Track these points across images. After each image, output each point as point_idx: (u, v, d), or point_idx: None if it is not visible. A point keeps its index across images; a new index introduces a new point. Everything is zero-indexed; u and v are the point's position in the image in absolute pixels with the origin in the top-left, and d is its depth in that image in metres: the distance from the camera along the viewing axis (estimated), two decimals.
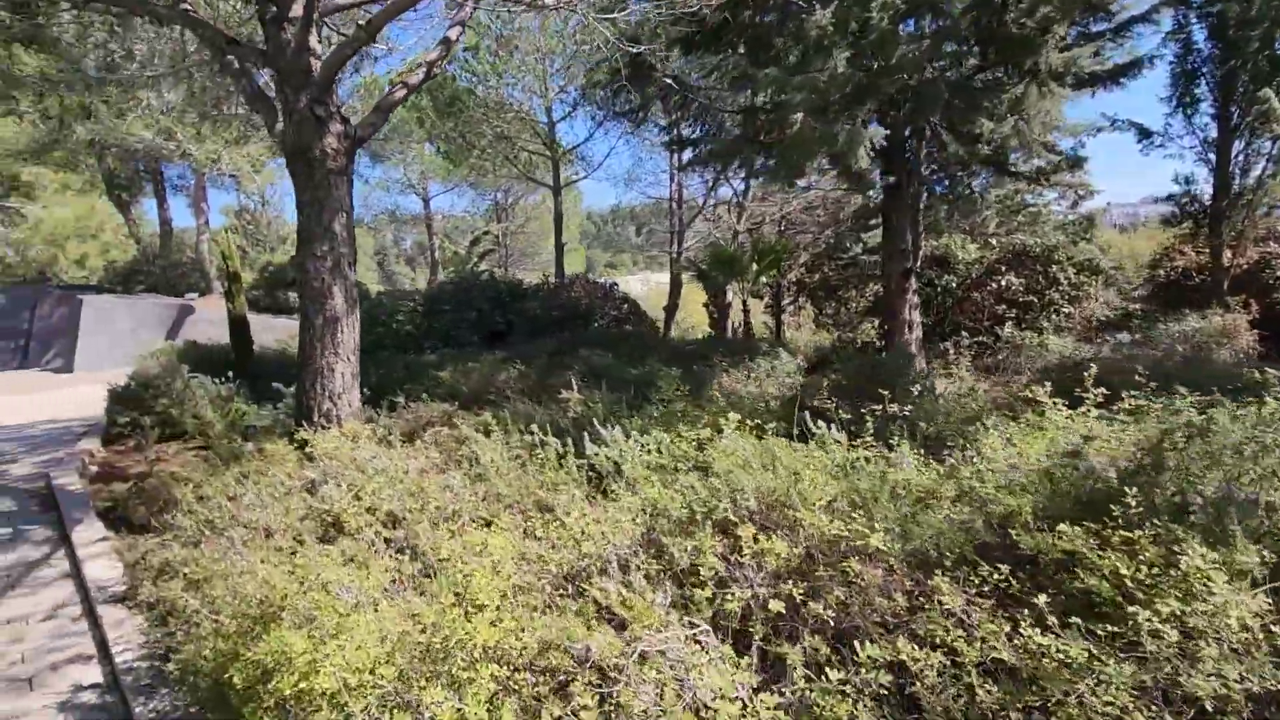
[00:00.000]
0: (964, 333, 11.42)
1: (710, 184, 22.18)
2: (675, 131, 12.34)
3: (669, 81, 9.05)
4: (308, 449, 4.04)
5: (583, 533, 2.10)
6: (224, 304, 19.17)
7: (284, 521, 2.81)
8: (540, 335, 12.64)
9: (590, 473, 3.07)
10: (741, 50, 8.78)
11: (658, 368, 7.84)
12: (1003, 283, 11.82)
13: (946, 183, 11.37)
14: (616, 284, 14.53)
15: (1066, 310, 11.41)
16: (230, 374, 8.51)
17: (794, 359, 8.06)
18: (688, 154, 17.19)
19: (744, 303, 16.93)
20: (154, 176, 23.68)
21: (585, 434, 3.28)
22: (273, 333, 14.47)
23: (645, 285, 33.35)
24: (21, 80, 17.49)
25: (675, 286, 22.49)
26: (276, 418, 5.82)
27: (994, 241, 13.05)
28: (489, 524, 2.53)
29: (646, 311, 17.58)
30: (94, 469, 6.28)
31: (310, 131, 3.98)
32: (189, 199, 28.09)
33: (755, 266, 15.29)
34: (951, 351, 10.81)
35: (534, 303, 13.22)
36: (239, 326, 9.82)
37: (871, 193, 10.89)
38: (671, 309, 20.41)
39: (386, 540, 2.65)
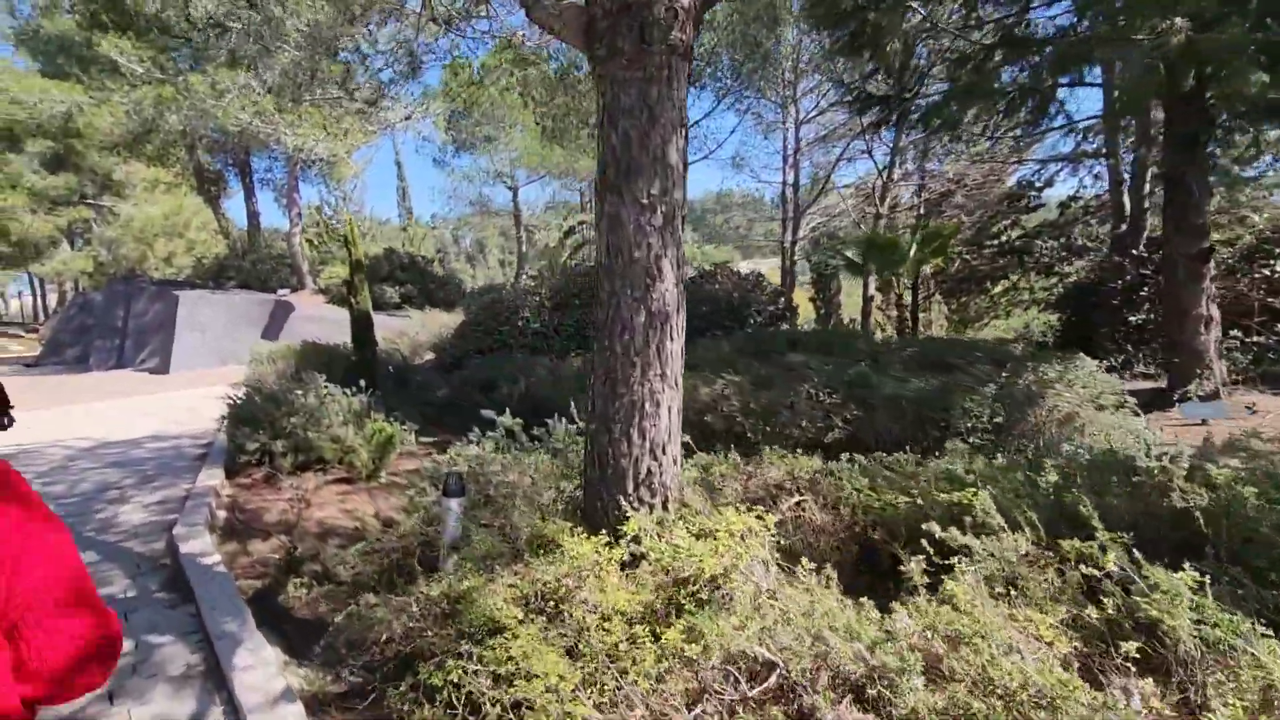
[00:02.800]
0: (1237, 331, 9.04)
1: (833, 162, 20.03)
2: (858, 90, 10.25)
3: (914, 5, 7.03)
4: (637, 548, 2.26)
5: None
6: (320, 300, 18.14)
7: None
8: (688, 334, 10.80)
9: None
10: None
11: (926, 381, 5.87)
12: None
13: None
14: (762, 274, 12.63)
15: None
16: (362, 383, 6.94)
17: (1099, 367, 5.95)
18: (826, 117, 15.00)
19: (899, 296, 14.77)
20: (241, 170, 23.03)
21: None
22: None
23: None
24: (119, 69, 16.80)
25: (789, 278, 20.49)
26: (482, 461, 4.10)
27: (1255, 218, 10.54)
28: None
29: None
30: (222, 513, 4.73)
31: None
32: (275, 193, 27.56)
33: (914, 253, 13.09)
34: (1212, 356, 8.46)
35: None
36: (363, 325, 8.31)
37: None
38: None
39: None
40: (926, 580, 1.84)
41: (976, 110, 8.89)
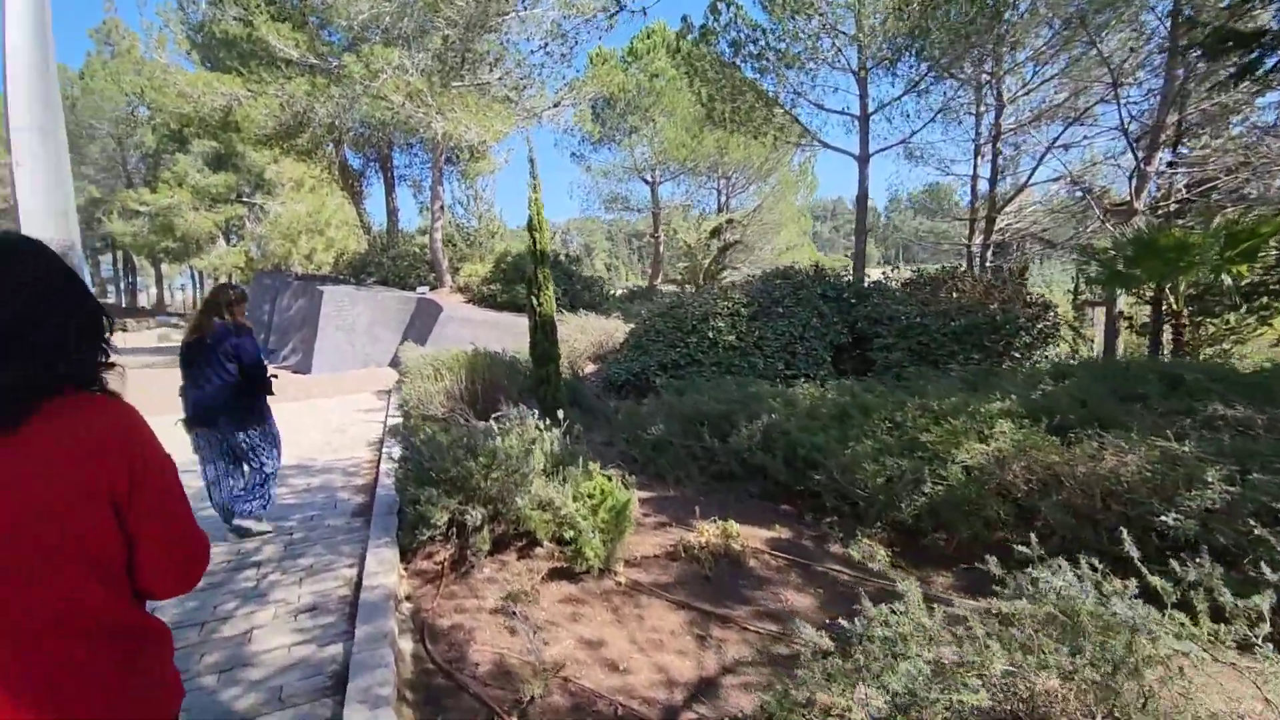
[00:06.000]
0: None
1: (1045, 148, 16.73)
2: (1218, 28, 7.42)
3: None
4: None
5: None
6: (459, 299, 17.03)
7: None
8: (925, 356, 8.37)
9: None
10: None
11: None
12: None
13: None
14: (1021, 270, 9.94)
15: None
16: (560, 413, 5.08)
17: None
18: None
19: (1176, 312, 11.56)
20: (383, 165, 22.69)
21: None
22: (514, 335, 11.50)
23: None
24: (276, 60, 16.46)
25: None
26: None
27: None
28: None
29: None
30: (408, 644, 2.90)
31: None
32: (413, 190, 27.41)
33: (1213, 257, 9.89)
34: None
35: (902, 307, 8.96)
36: (546, 333, 6.53)
37: None
38: None
39: None
40: None
41: None
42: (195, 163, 30.25)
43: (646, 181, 24.19)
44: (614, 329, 11.11)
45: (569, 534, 3.81)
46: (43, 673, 0.92)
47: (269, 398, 4.22)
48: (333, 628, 2.98)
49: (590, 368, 10.58)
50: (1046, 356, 8.28)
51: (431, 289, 17.53)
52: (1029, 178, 16.98)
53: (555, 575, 3.73)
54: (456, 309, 13.21)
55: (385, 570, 3.39)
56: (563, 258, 17.07)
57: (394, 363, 12.73)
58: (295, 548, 3.95)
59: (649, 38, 21.08)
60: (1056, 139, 16.21)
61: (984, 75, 16.47)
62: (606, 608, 3.44)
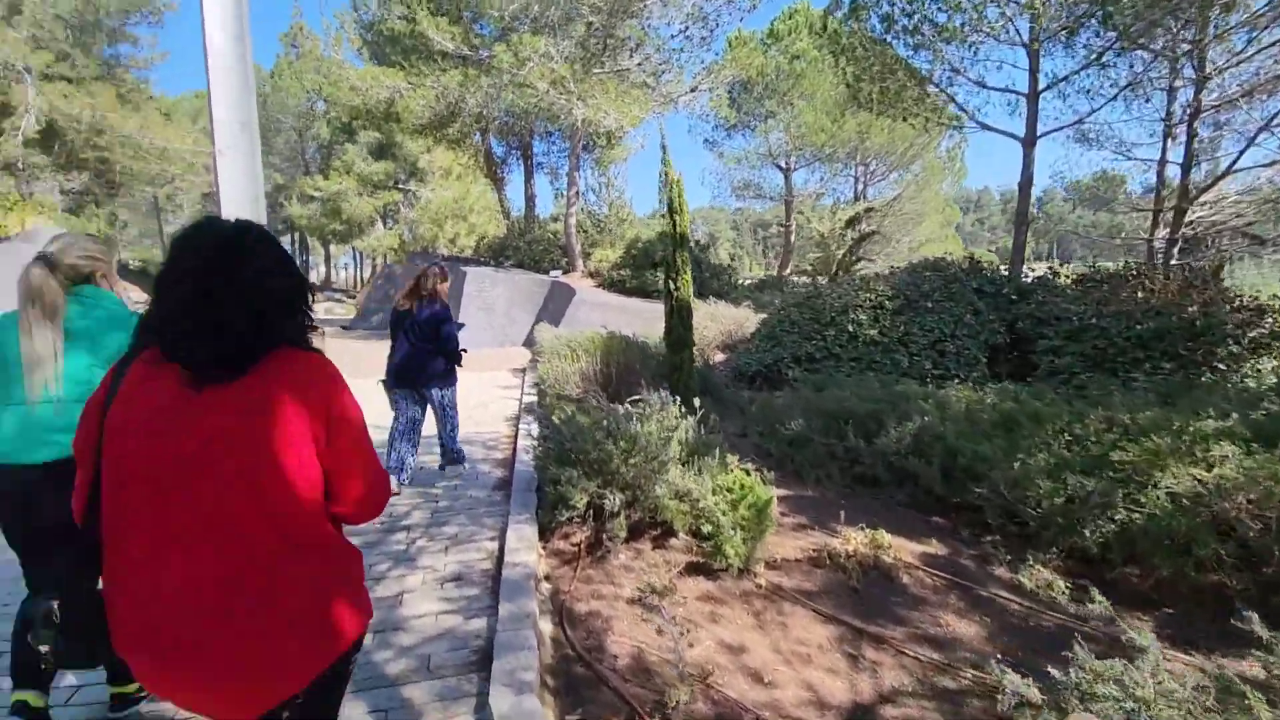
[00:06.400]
0: None
1: (1258, 128, 14.33)
2: None
3: None
4: None
5: None
6: (590, 283, 17.42)
7: None
8: (1100, 363, 7.40)
9: None
10: None
11: None
12: None
13: None
14: (1215, 270, 8.58)
15: None
16: (697, 403, 4.93)
17: None
18: None
19: None
20: (524, 152, 23.57)
21: None
22: (643, 320, 11.48)
23: None
24: (433, 53, 17.50)
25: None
26: None
27: None
28: None
29: None
30: (548, 627, 2.89)
31: None
32: (550, 177, 28.32)
33: None
34: None
35: (1073, 306, 7.96)
36: (683, 319, 6.40)
37: None
38: None
39: None
40: None
41: None
42: (361, 152, 33.05)
43: (780, 168, 23.42)
44: (744, 318, 10.82)
45: (707, 528, 3.68)
46: (254, 573, 1.08)
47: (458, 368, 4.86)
48: (477, 600, 3.04)
49: (719, 357, 10.38)
50: (1259, 370, 7.04)
51: (564, 273, 18.02)
52: (1234, 162, 14.56)
53: (692, 570, 3.60)
54: (588, 293, 13.47)
55: (525, 548, 3.42)
56: (693, 244, 16.91)
57: (528, 342, 13.21)
58: (440, 515, 4.11)
59: (791, 18, 20.28)
60: (1273, 117, 13.78)
61: (1182, 44, 14.32)
62: (747, 611, 3.27)
